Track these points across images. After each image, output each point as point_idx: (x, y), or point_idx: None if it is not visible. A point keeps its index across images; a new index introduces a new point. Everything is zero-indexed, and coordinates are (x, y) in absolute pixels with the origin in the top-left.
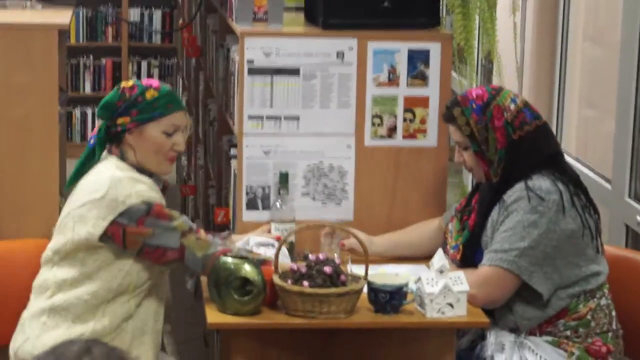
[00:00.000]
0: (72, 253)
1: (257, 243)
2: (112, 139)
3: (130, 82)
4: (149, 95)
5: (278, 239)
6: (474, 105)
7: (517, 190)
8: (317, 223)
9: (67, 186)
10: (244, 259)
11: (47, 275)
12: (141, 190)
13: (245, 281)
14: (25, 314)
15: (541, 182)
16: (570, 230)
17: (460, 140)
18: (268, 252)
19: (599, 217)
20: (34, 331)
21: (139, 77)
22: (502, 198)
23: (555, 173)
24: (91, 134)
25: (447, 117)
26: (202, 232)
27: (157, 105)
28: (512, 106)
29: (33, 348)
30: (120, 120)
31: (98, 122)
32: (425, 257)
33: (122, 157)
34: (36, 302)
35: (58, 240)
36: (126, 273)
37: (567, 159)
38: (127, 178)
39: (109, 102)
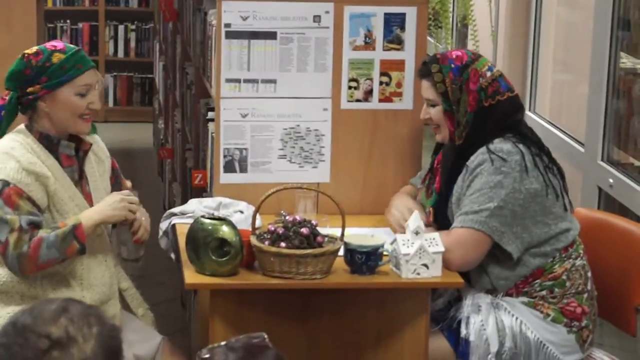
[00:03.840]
0: None
1: (223, 205)
2: (25, 108)
3: (35, 49)
4: (56, 59)
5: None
6: (453, 65)
7: (479, 154)
8: (294, 185)
9: None
10: (222, 220)
11: None
12: (5, 168)
13: (223, 242)
14: None
15: (502, 145)
16: (535, 190)
17: (430, 97)
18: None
19: (563, 176)
20: None
21: (115, 42)
22: (466, 164)
23: (516, 136)
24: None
25: (423, 72)
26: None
27: (66, 68)
28: (489, 74)
29: None
30: (30, 89)
31: (5, 94)
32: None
33: (29, 127)
34: None
35: None
36: None
37: (540, 122)
38: (2, 153)
39: (15, 71)
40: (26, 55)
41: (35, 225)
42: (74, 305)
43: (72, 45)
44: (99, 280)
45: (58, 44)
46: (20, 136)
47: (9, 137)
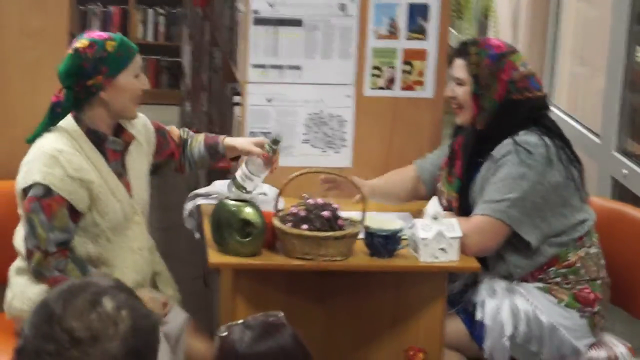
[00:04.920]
0: None
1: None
2: (82, 102)
3: (85, 41)
4: (110, 47)
5: (265, 156)
6: (491, 51)
7: (505, 145)
8: (317, 169)
9: (28, 140)
10: (245, 201)
11: (20, 233)
12: (51, 174)
13: (246, 223)
14: (12, 269)
15: (528, 137)
16: (556, 182)
17: (461, 76)
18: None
19: (582, 168)
20: (19, 287)
21: (145, 25)
22: (491, 154)
23: (541, 128)
24: (54, 99)
25: (461, 50)
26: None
27: (121, 54)
28: (522, 69)
29: (21, 304)
30: (91, 82)
31: (59, 90)
32: (402, 204)
33: (78, 119)
34: (20, 259)
35: None
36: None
37: (557, 113)
38: (49, 156)
39: (72, 67)
40: (79, 49)
41: (64, 246)
42: (109, 297)
43: (112, 33)
44: (130, 268)
45: (100, 33)
46: (66, 134)
47: (56, 137)
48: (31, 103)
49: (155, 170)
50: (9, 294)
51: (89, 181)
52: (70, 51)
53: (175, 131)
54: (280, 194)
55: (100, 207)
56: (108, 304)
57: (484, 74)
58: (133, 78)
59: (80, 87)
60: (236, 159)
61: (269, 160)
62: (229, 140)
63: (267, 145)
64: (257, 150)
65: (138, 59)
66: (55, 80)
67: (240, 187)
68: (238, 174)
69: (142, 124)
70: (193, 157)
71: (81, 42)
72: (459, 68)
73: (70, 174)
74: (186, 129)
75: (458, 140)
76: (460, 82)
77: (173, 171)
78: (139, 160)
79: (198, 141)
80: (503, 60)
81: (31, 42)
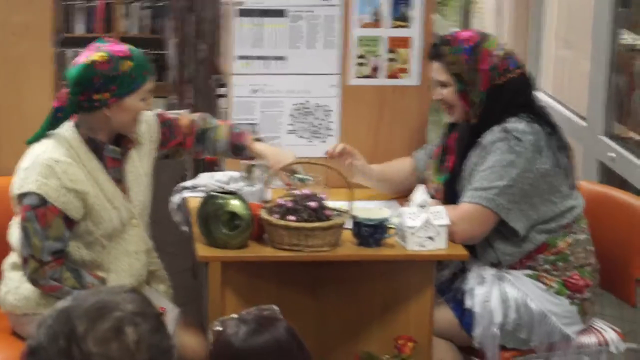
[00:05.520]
0: None
1: (233, 179)
2: (84, 111)
3: (104, 55)
4: (125, 67)
5: (287, 183)
6: (465, 46)
7: (494, 132)
8: (303, 160)
9: (28, 142)
10: (232, 194)
11: (15, 229)
12: (45, 184)
13: (234, 215)
14: (5, 265)
15: (517, 124)
16: (545, 169)
17: (442, 78)
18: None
19: (572, 154)
20: (14, 282)
21: (129, 18)
22: (480, 141)
23: (530, 115)
24: (56, 104)
25: (434, 54)
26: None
27: (134, 76)
28: (499, 52)
29: (15, 299)
30: (97, 96)
31: (62, 93)
32: (396, 196)
33: (77, 125)
34: (13, 253)
35: None
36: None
37: (543, 97)
38: (45, 166)
39: (82, 78)
40: (96, 62)
41: (58, 255)
42: (133, 328)
43: (134, 48)
44: (126, 271)
45: (122, 48)
46: (65, 142)
47: (54, 145)
48: (15, 99)
49: (166, 157)
50: (3, 288)
51: (84, 192)
52: (85, 60)
53: (184, 120)
54: (267, 186)
55: (94, 217)
56: (131, 335)
57: (464, 71)
58: (139, 101)
59: (85, 98)
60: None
61: (288, 185)
62: (257, 149)
63: (295, 177)
64: (284, 178)
65: (149, 84)
66: (39, 76)
67: (250, 179)
68: (258, 171)
69: (144, 122)
70: (215, 150)
71: (100, 55)
72: (438, 71)
73: (66, 184)
74: (206, 116)
75: (452, 136)
76: (443, 84)
77: (187, 156)
78: (140, 163)
79: (221, 136)
80: (478, 50)
81: (15, 38)
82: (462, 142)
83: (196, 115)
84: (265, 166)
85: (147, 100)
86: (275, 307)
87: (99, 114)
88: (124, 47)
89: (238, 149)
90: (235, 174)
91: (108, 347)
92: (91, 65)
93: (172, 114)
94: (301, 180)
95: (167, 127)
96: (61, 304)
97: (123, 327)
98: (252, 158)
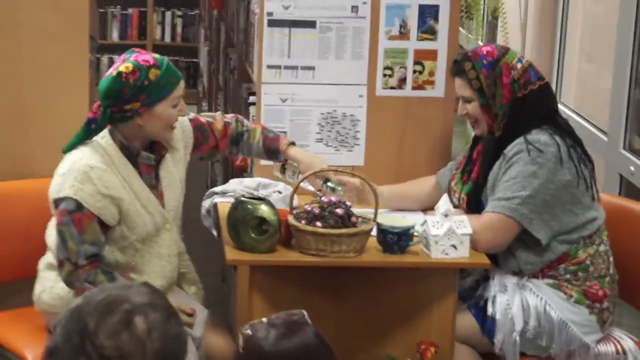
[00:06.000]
0: None
1: (262, 185)
2: (117, 121)
3: (130, 66)
4: (153, 75)
5: (319, 190)
6: (485, 61)
7: (517, 144)
8: (330, 168)
9: (64, 150)
10: (261, 199)
11: (52, 230)
12: (81, 189)
13: (262, 221)
14: (41, 264)
15: (540, 136)
16: (567, 181)
17: (465, 94)
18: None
19: (593, 167)
20: (49, 282)
21: (163, 27)
22: (503, 152)
23: (552, 127)
24: (90, 115)
25: (456, 70)
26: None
27: (162, 84)
28: (519, 65)
29: (50, 299)
30: (128, 106)
31: (96, 106)
32: (421, 210)
33: (112, 133)
34: (49, 253)
35: None
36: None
37: (565, 111)
38: (82, 172)
39: (112, 90)
40: (123, 74)
41: (94, 258)
42: (142, 318)
43: (160, 57)
44: (158, 274)
45: (149, 58)
46: (100, 149)
47: (90, 152)
48: (50, 105)
49: (201, 158)
50: (38, 287)
51: (119, 198)
52: (113, 72)
53: (218, 124)
54: (295, 192)
55: (129, 222)
56: (140, 324)
57: (485, 85)
58: (171, 108)
59: (117, 109)
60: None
61: (318, 191)
62: (292, 154)
63: (327, 185)
64: (315, 184)
65: (179, 90)
66: (74, 82)
67: (286, 175)
68: (290, 168)
69: (179, 127)
70: (250, 152)
71: (126, 66)
72: (461, 87)
73: (101, 190)
74: (240, 119)
75: (477, 148)
76: (467, 99)
77: (222, 158)
78: (174, 168)
79: (256, 139)
80: (498, 65)
81: (51, 44)
82: (486, 154)
83: (230, 117)
84: (297, 169)
85: (179, 107)
86: (304, 312)
87: (132, 123)
88: (150, 56)
89: (272, 152)
90: (265, 180)
91: (119, 338)
92: (119, 77)
93: (206, 116)
94: (332, 189)
95: (200, 131)
96: (73, 303)
97: (132, 318)
98: (285, 161)
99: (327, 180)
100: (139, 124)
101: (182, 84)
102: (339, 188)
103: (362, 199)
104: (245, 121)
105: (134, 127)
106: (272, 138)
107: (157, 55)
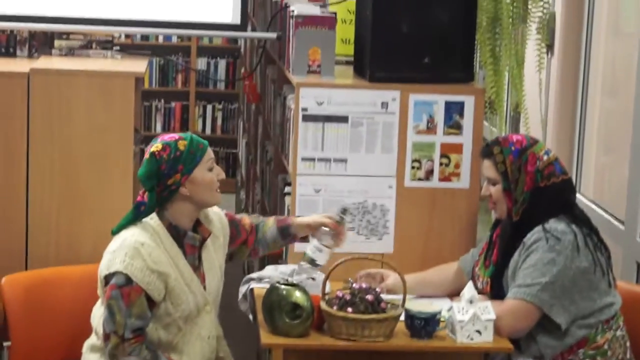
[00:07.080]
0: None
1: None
2: (165, 200)
3: (159, 145)
4: (182, 146)
5: (334, 226)
6: (513, 148)
7: (535, 232)
8: (361, 255)
9: (113, 232)
10: (295, 285)
11: (97, 311)
12: (132, 265)
13: (296, 306)
14: (86, 345)
15: (557, 225)
16: (584, 267)
17: (491, 175)
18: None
19: (610, 254)
20: None
21: (204, 119)
22: (523, 241)
23: (569, 217)
24: (139, 198)
25: (486, 152)
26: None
27: (193, 151)
28: (545, 157)
29: None
30: (170, 180)
31: (141, 192)
32: (444, 297)
33: (160, 215)
34: (94, 335)
35: None
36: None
37: (584, 201)
38: (132, 248)
39: (151, 171)
40: (155, 153)
41: (140, 332)
42: None
43: (182, 133)
44: (198, 355)
45: (172, 134)
46: (150, 228)
47: (140, 230)
48: (100, 192)
49: (230, 257)
50: None
51: (166, 274)
52: (146, 156)
53: (246, 220)
54: (327, 279)
55: (174, 299)
56: None
57: (510, 170)
58: (207, 171)
59: (162, 187)
60: (304, 239)
61: (338, 231)
62: (301, 219)
63: (336, 215)
64: (329, 220)
65: (209, 153)
66: (120, 172)
67: (311, 262)
68: (309, 249)
69: (218, 219)
70: (266, 241)
71: (155, 146)
72: (488, 168)
73: (150, 266)
74: (256, 215)
75: (497, 231)
76: (492, 181)
77: (246, 257)
78: (215, 254)
79: (269, 226)
80: (525, 153)
81: (99, 135)
82: (504, 237)
83: (253, 216)
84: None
85: (215, 170)
86: None
87: (179, 197)
88: (174, 134)
89: (285, 230)
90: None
91: None
92: (153, 157)
93: (235, 215)
94: (342, 212)
95: (234, 225)
96: None
97: None
98: (301, 238)
99: (305, 253)
100: (185, 194)
101: (209, 150)
102: (347, 210)
103: (339, 244)
104: (261, 216)
105: (182, 200)
106: (282, 219)
107: (179, 133)
